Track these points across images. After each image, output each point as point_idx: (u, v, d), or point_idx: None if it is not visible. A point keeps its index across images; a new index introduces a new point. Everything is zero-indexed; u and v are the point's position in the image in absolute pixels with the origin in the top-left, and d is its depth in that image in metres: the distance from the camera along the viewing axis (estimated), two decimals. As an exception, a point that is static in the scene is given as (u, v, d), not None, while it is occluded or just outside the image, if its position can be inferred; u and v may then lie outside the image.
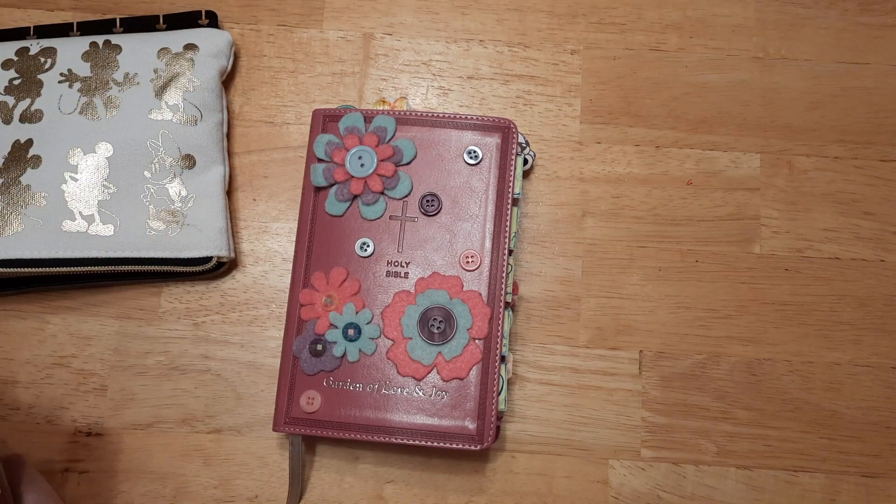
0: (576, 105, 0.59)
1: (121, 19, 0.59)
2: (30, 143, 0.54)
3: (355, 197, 0.53)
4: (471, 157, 0.53)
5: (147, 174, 0.54)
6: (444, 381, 0.50)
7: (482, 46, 0.60)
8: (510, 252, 0.52)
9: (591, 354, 0.55)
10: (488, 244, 0.52)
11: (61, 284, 0.55)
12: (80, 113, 0.55)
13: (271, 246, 0.57)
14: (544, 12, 0.61)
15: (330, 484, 0.53)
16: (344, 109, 0.54)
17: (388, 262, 0.52)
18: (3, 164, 0.54)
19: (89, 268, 0.53)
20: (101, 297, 0.56)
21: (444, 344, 0.50)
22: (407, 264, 0.52)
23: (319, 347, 0.51)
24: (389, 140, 0.53)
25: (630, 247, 0.57)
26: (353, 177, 0.53)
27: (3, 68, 0.56)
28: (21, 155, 0.54)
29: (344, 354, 0.51)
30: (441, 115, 0.54)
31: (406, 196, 0.53)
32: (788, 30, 0.61)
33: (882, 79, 0.60)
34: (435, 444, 0.50)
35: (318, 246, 0.53)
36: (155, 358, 0.55)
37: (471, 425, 0.50)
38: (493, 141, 0.53)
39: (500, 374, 0.51)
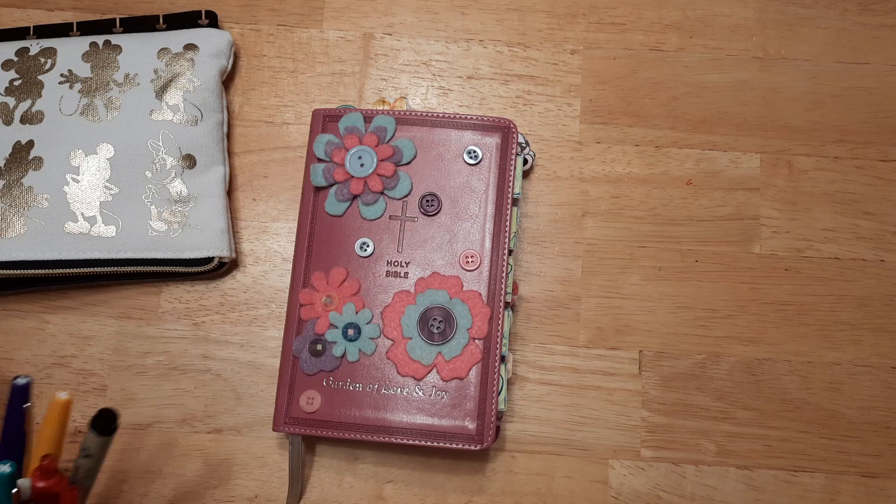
0: (576, 105, 0.59)
1: (121, 19, 0.59)
2: (31, 144, 0.54)
3: (355, 197, 0.53)
4: (471, 157, 0.53)
5: (148, 174, 0.54)
6: (443, 380, 0.50)
7: (482, 46, 0.60)
8: (510, 252, 0.52)
9: (591, 354, 0.55)
10: (488, 244, 0.52)
11: (61, 284, 0.55)
12: (82, 114, 0.55)
13: (271, 246, 0.57)
14: (544, 12, 0.61)
15: (330, 484, 0.53)
16: (344, 109, 0.54)
17: (387, 262, 0.52)
18: (5, 165, 0.54)
19: (92, 269, 0.53)
20: (100, 297, 0.56)
21: (443, 344, 0.50)
22: (407, 264, 0.52)
23: (319, 347, 0.51)
24: (389, 140, 0.53)
25: (630, 247, 0.57)
26: (352, 177, 0.53)
27: (3, 69, 0.56)
28: (22, 156, 0.54)
29: (344, 354, 0.51)
30: (441, 115, 0.54)
31: (406, 196, 0.53)
32: (788, 30, 0.61)
33: (882, 79, 0.60)
34: (435, 444, 0.50)
35: (317, 246, 0.53)
36: (155, 358, 0.55)
37: (471, 425, 0.50)
38: (493, 141, 0.53)
39: (499, 374, 0.50)
